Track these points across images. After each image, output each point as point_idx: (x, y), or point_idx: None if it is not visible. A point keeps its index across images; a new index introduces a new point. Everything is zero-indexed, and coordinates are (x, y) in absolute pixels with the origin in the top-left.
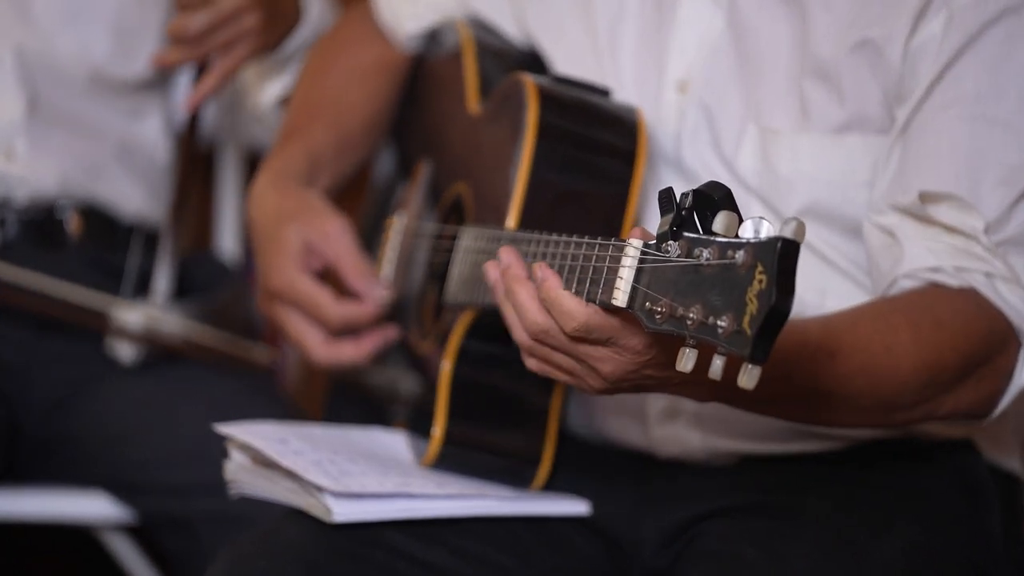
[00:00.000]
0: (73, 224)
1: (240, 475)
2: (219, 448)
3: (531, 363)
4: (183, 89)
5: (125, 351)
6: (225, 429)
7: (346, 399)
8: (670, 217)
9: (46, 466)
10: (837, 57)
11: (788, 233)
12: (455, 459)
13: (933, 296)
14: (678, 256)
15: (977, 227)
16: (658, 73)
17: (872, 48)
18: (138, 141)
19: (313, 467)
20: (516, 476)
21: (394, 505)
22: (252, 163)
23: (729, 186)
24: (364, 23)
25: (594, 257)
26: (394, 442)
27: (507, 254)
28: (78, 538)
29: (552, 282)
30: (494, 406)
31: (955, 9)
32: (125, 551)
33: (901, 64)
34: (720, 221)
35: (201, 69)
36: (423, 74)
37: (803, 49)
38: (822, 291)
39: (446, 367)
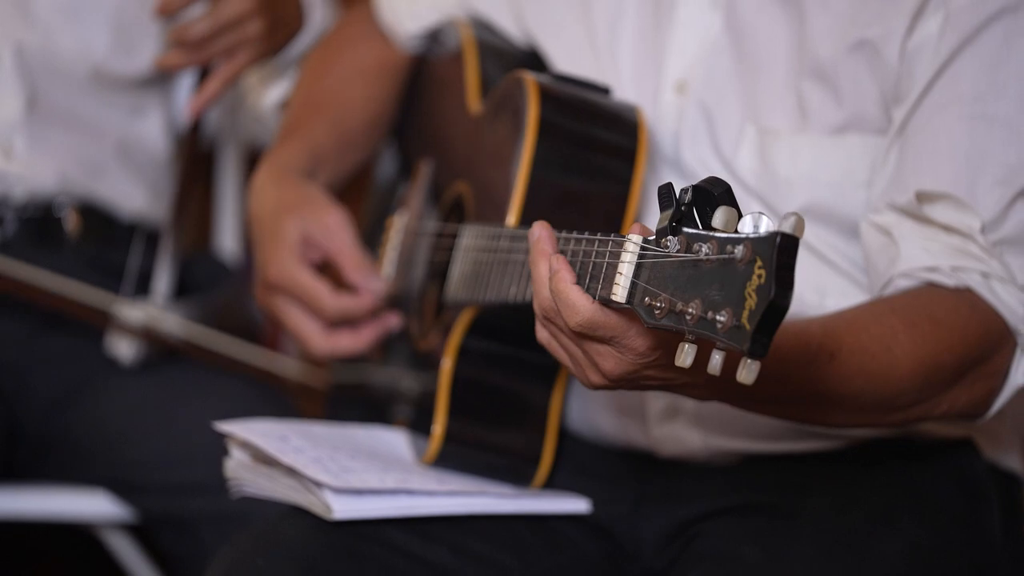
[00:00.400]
0: (72, 223)
1: (240, 473)
2: (219, 446)
3: (542, 335)
4: (185, 89)
5: (124, 351)
6: (225, 427)
7: (347, 398)
8: (669, 212)
9: (46, 465)
10: (835, 58)
11: (787, 228)
12: (455, 457)
13: (930, 296)
14: (677, 251)
15: (974, 227)
16: (657, 73)
17: (869, 48)
18: (138, 139)
19: (313, 464)
20: (516, 474)
21: (394, 502)
22: (252, 163)
23: None
24: (365, 23)
25: (594, 253)
26: (395, 440)
27: (540, 227)
28: (78, 537)
29: (563, 275)
30: (494, 404)
31: (952, 9)
32: (125, 550)
33: (898, 64)
34: (719, 216)
35: (203, 71)
36: (424, 74)
37: (801, 50)
38: (822, 291)
39: (446, 365)
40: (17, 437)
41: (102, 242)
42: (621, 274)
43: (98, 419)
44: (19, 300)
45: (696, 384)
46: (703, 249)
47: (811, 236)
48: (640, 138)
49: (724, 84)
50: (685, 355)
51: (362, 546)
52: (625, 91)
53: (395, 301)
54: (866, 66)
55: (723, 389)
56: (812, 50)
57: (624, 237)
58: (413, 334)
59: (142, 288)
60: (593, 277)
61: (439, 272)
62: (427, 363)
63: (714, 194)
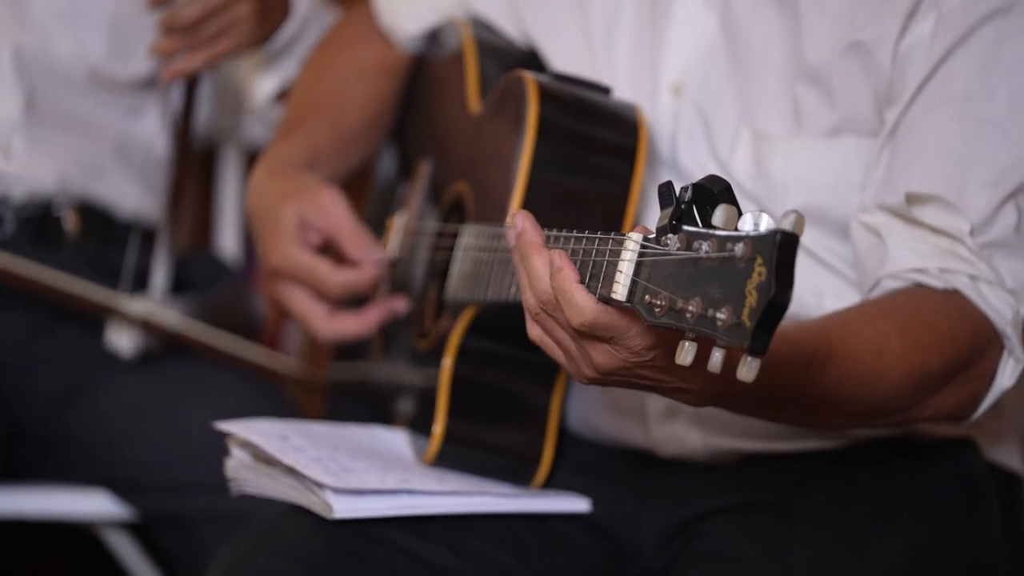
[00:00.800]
0: (70, 222)
1: (241, 472)
2: (219, 446)
3: (534, 332)
4: (183, 88)
5: (124, 344)
6: (226, 426)
7: (346, 397)
8: (669, 211)
9: (46, 465)
10: (829, 60)
11: (787, 226)
12: (456, 456)
13: (920, 299)
14: (678, 250)
15: (963, 229)
16: (653, 75)
17: (863, 50)
18: (136, 139)
19: (314, 464)
20: (516, 474)
21: (395, 502)
22: (251, 163)
23: None
24: (365, 23)
25: (594, 251)
26: (395, 440)
27: (522, 218)
28: (78, 536)
29: (567, 273)
30: (495, 403)
31: (945, 10)
32: (125, 549)
33: (891, 66)
34: (719, 214)
35: None
36: (424, 73)
37: (796, 52)
38: (819, 293)
39: (447, 364)
40: (17, 437)
41: (101, 241)
42: (621, 272)
43: (98, 418)
44: (20, 294)
45: (689, 389)
46: (703, 247)
47: (807, 239)
48: (640, 137)
49: (720, 86)
50: (685, 353)
51: (363, 546)
52: (622, 93)
53: (389, 270)
54: (859, 68)
55: (716, 395)
56: (806, 52)
57: (624, 235)
58: (413, 333)
59: (140, 285)
60: (593, 275)
61: (439, 272)
62: (427, 362)
63: (714, 192)
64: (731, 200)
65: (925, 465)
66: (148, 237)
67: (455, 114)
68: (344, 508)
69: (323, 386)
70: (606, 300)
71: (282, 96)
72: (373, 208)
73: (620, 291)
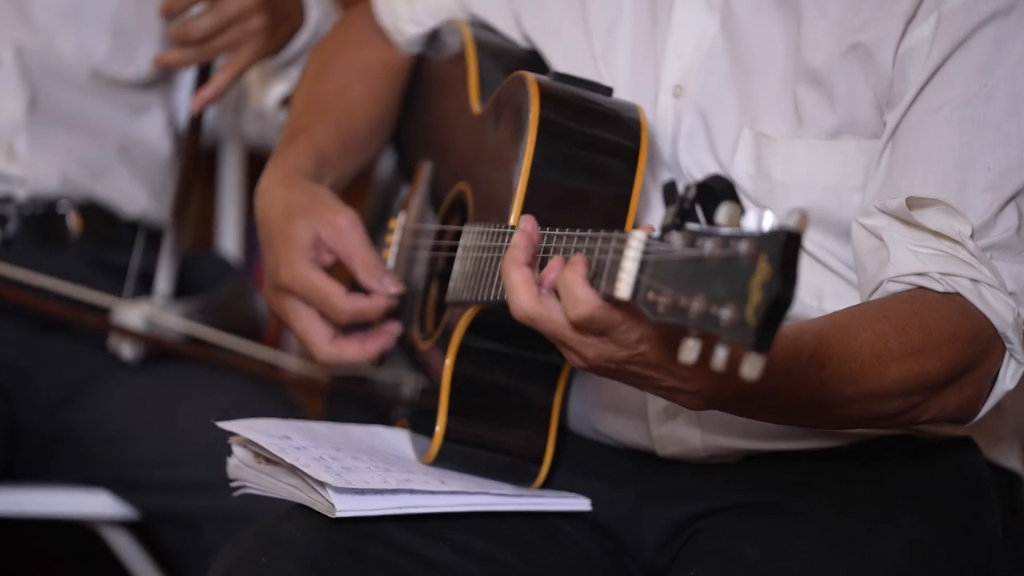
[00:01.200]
0: (73, 222)
1: (243, 472)
2: (220, 445)
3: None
4: (186, 88)
5: (127, 349)
6: (228, 426)
7: (348, 399)
8: (673, 209)
9: (47, 464)
10: (829, 62)
11: (791, 224)
12: (457, 456)
13: (920, 302)
14: (681, 248)
15: (964, 232)
16: (654, 77)
17: (863, 52)
18: (140, 139)
19: (315, 463)
20: (518, 473)
21: (396, 501)
22: (254, 162)
23: None
24: (365, 24)
25: (597, 250)
26: (397, 439)
27: (520, 236)
28: (79, 535)
29: (578, 268)
30: (496, 403)
31: (945, 12)
32: (126, 548)
33: (892, 68)
34: (723, 213)
35: (204, 69)
36: (423, 74)
37: (797, 54)
38: (819, 295)
39: (448, 364)
40: (19, 436)
41: (104, 241)
42: (625, 270)
43: (99, 418)
44: (20, 305)
45: (685, 390)
46: (707, 245)
47: (808, 241)
48: (642, 138)
49: (721, 88)
50: (688, 351)
51: (365, 545)
52: (623, 94)
53: (398, 302)
54: (860, 70)
55: (714, 397)
56: (807, 54)
57: (628, 234)
58: (415, 334)
59: (144, 287)
60: (597, 274)
61: (441, 272)
62: (428, 362)
63: (717, 190)
64: (734, 199)
65: (925, 464)
66: (151, 237)
67: (456, 114)
68: (346, 507)
69: (324, 387)
70: (609, 298)
71: (286, 102)
72: (373, 208)
73: (624, 289)
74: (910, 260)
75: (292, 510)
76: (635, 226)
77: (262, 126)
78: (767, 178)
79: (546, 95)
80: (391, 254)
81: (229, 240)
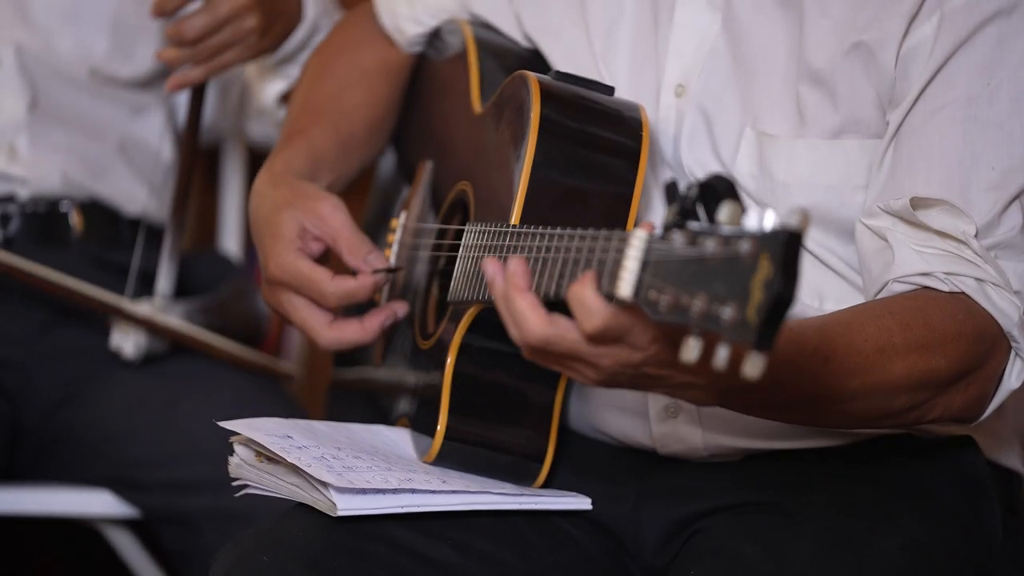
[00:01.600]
0: (75, 221)
1: (244, 471)
2: (221, 444)
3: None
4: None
5: (129, 347)
6: (229, 425)
7: (348, 399)
8: (675, 208)
9: (47, 464)
10: (831, 61)
11: (792, 222)
12: (458, 455)
13: (925, 300)
14: (683, 247)
15: (968, 232)
16: (656, 76)
17: (865, 51)
18: (140, 138)
19: (317, 463)
20: (519, 473)
21: (398, 500)
22: (255, 161)
23: None
24: (365, 24)
25: (598, 249)
26: (398, 438)
27: (516, 263)
28: (80, 534)
29: (589, 282)
30: (497, 402)
31: (947, 11)
32: (128, 547)
33: (894, 67)
34: (724, 212)
35: None
36: (425, 74)
37: (799, 53)
38: (821, 295)
39: (449, 363)
40: (19, 435)
41: (106, 240)
42: (627, 270)
43: (100, 417)
44: (27, 291)
45: (696, 384)
46: (708, 244)
47: (809, 240)
48: (643, 137)
49: (723, 87)
50: (690, 350)
51: (366, 544)
52: (624, 94)
53: (389, 278)
54: (862, 69)
55: (722, 390)
56: (810, 54)
57: (630, 233)
58: (415, 333)
59: (146, 286)
60: (598, 274)
61: (442, 272)
62: (429, 362)
63: (719, 189)
64: (736, 197)
65: (926, 463)
66: (153, 235)
67: (457, 114)
68: (348, 506)
69: (325, 386)
70: (611, 297)
71: (286, 98)
72: (374, 208)
73: (626, 289)
74: (915, 260)
75: (293, 509)
76: (636, 225)
77: (265, 126)
78: (769, 177)
79: (547, 94)
80: (392, 254)
81: (231, 239)
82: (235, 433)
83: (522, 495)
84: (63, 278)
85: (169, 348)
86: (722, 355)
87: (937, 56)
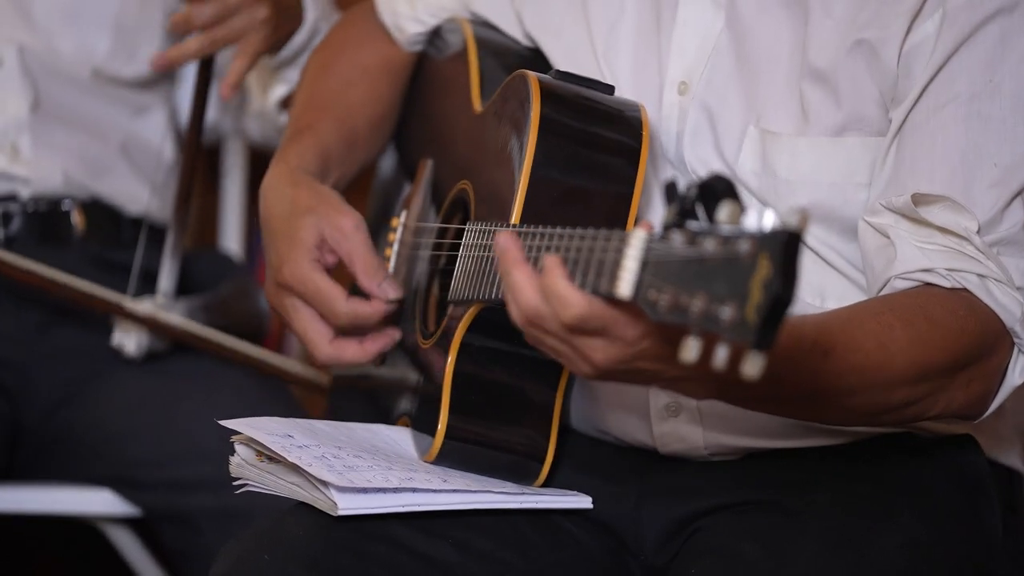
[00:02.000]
0: (77, 220)
1: (245, 471)
2: (222, 442)
3: (529, 338)
4: (188, 87)
5: (130, 345)
6: (230, 425)
7: (349, 398)
8: (674, 208)
9: (48, 463)
10: (834, 59)
11: (792, 222)
12: (458, 455)
13: (927, 296)
14: (682, 246)
15: (970, 228)
16: (658, 74)
17: (868, 49)
18: (142, 138)
19: (318, 462)
20: (520, 471)
21: (398, 499)
22: (257, 160)
23: None
24: (366, 22)
25: (598, 249)
26: (398, 438)
27: (505, 238)
28: (81, 532)
29: (556, 272)
30: (497, 401)
31: (949, 8)
32: (129, 545)
33: (896, 65)
34: (724, 211)
35: (204, 65)
36: (425, 72)
37: (802, 51)
38: (822, 293)
39: (449, 362)
40: (20, 434)
41: (108, 240)
42: (626, 269)
43: (100, 416)
44: (27, 291)
45: (691, 378)
46: (708, 244)
47: (812, 238)
48: (643, 136)
49: (726, 85)
50: (689, 350)
51: (366, 543)
52: (626, 92)
53: (398, 308)
54: (865, 67)
55: (719, 386)
56: (813, 52)
57: (629, 233)
58: (416, 333)
59: (147, 285)
60: (598, 273)
61: (442, 270)
62: (430, 361)
63: (718, 189)
64: (735, 197)
65: (925, 462)
66: (155, 235)
67: (458, 113)
68: (348, 506)
69: (326, 385)
70: (610, 297)
71: (286, 103)
72: (375, 207)
73: (625, 288)
74: (917, 257)
75: (294, 508)
76: (636, 224)
77: (264, 126)
78: (772, 175)
79: (547, 94)
80: (393, 252)
81: (232, 238)
82: (236, 432)
83: (523, 494)
84: (64, 277)
85: (170, 347)
86: (721, 355)
87: (939, 54)
